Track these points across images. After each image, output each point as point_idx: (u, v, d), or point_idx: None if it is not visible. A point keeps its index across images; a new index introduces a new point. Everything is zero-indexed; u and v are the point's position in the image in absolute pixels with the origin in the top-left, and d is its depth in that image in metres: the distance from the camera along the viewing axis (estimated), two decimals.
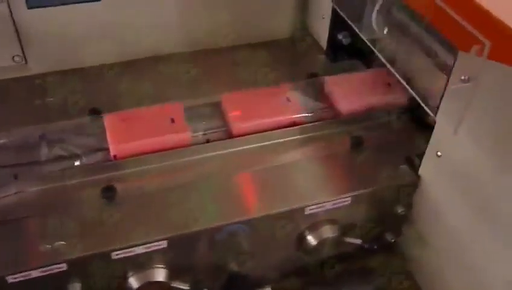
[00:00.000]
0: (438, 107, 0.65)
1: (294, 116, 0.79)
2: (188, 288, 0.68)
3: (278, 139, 0.77)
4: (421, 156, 0.72)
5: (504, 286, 0.62)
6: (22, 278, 0.60)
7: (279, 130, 0.78)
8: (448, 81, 0.62)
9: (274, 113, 0.79)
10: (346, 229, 0.74)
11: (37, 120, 0.78)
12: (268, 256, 0.74)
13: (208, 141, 0.77)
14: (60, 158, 0.73)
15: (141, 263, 0.65)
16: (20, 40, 0.85)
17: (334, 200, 0.70)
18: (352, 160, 0.76)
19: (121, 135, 0.74)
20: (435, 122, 0.67)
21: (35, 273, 0.61)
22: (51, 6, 0.84)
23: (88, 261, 0.62)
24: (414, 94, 0.70)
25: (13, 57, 0.87)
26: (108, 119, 0.76)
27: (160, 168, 0.73)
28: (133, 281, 0.66)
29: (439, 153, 0.68)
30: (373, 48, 0.79)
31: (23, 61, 0.87)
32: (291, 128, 0.78)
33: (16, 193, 0.68)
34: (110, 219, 0.66)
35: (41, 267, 0.60)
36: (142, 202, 0.68)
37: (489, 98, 0.58)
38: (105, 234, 0.64)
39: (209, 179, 0.72)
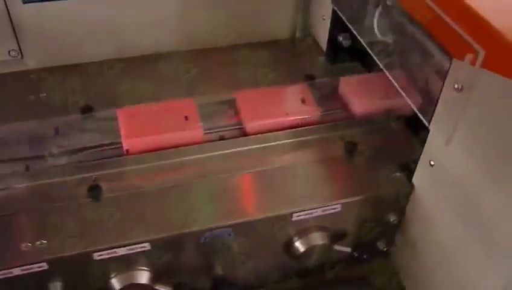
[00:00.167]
0: (431, 116, 0.63)
1: (307, 116, 0.79)
2: None
3: (270, 142, 0.76)
4: (416, 163, 0.70)
5: None
6: (2, 276, 0.60)
7: (270, 133, 0.77)
8: (441, 89, 0.60)
9: (287, 112, 0.79)
10: (336, 237, 0.72)
11: (28, 115, 0.78)
12: (255, 261, 0.72)
13: (221, 139, 0.77)
14: (69, 152, 0.73)
15: (124, 265, 0.65)
16: (15, 35, 0.85)
17: (323, 207, 0.68)
18: (345, 166, 0.74)
19: (134, 129, 0.74)
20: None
21: (16, 272, 0.60)
22: (46, 1, 0.83)
23: (69, 261, 0.62)
24: (409, 101, 0.68)
25: (9, 51, 0.86)
26: (121, 114, 0.76)
27: (158, 167, 0.72)
28: (116, 283, 0.65)
29: (432, 163, 0.66)
30: (370, 51, 0.77)
31: (19, 56, 0.87)
32: (282, 131, 0.77)
33: (2, 189, 0.68)
34: (95, 218, 0.65)
35: (21, 266, 0.60)
36: (130, 202, 0.67)
37: (482, 109, 0.56)
38: (88, 234, 0.63)
39: (201, 180, 0.71)
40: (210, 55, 0.96)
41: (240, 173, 0.72)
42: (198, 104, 0.79)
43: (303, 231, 0.70)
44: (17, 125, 0.74)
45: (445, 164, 0.64)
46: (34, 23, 0.85)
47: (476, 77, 0.55)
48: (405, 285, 0.78)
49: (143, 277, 0.66)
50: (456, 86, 0.57)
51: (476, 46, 0.54)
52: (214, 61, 0.94)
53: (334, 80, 0.85)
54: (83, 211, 0.66)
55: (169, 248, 0.65)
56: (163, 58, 0.94)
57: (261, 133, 0.77)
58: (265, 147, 0.75)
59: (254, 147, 0.75)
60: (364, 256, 0.73)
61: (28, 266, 0.60)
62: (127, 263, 0.65)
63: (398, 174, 0.73)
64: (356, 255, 0.73)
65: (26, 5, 0.83)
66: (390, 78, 0.72)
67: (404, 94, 0.70)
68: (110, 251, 0.62)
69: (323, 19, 0.93)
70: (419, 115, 0.67)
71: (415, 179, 0.71)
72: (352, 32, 0.85)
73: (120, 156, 0.73)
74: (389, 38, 0.72)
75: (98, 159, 0.72)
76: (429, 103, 0.63)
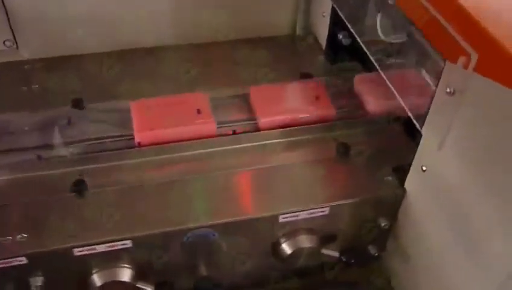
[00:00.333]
0: (424, 120, 0.61)
1: (322, 113, 0.78)
2: None
3: (261, 141, 0.74)
4: (409, 168, 0.68)
5: None
6: None
7: (262, 132, 0.75)
8: (434, 92, 0.58)
9: (302, 108, 0.78)
10: (325, 240, 0.71)
11: (20, 106, 0.77)
12: (241, 262, 0.71)
13: (234, 133, 0.76)
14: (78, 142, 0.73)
15: (105, 262, 0.64)
16: (10, 25, 0.84)
17: (310, 209, 0.66)
18: (336, 168, 0.72)
19: (147, 122, 0.73)
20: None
21: None
22: None
23: (49, 256, 0.61)
24: (403, 103, 0.66)
25: (4, 41, 0.86)
26: (134, 106, 0.75)
27: (150, 162, 0.71)
28: (97, 279, 0.64)
29: (424, 168, 0.64)
30: (366, 51, 0.75)
31: (14, 46, 0.87)
32: (275, 130, 0.75)
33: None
34: (78, 214, 0.64)
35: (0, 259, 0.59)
36: (116, 198, 0.66)
37: (474, 114, 0.54)
38: (70, 230, 0.62)
39: (189, 178, 0.69)
40: (207, 50, 0.94)
41: (229, 172, 0.70)
42: (211, 98, 0.78)
43: (290, 233, 0.69)
44: (25, 115, 0.74)
45: (436, 169, 0.62)
46: (29, 14, 0.84)
47: (469, 80, 0.53)
48: None
49: (125, 274, 0.65)
50: (448, 90, 0.55)
51: (469, 49, 0.52)
52: (210, 57, 0.92)
53: (350, 78, 0.84)
54: (67, 206, 0.65)
55: (151, 246, 0.64)
56: (160, 51, 0.93)
57: (274, 128, 0.76)
58: (256, 146, 0.74)
59: (245, 145, 0.74)
60: (352, 261, 0.71)
61: (7, 260, 0.60)
62: (109, 260, 0.64)
63: (390, 178, 0.71)
64: (344, 259, 0.71)
65: None
66: (386, 79, 0.70)
67: (398, 96, 0.68)
68: (90, 247, 0.62)
69: (323, 16, 0.91)
70: (412, 118, 0.64)
71: (407, 184, 0.69)
72: (351, 31, 0.83)
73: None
74: (385, 38, 0.70)
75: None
76: (421, 106, 0.61)
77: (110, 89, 0.83)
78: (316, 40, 0.96)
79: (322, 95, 0.81)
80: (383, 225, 0.71)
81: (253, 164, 0.72)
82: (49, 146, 0.72)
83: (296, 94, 0.81)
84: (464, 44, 0.52)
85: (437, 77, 0.57)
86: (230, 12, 0.93)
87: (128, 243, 0.63)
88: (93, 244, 0.61)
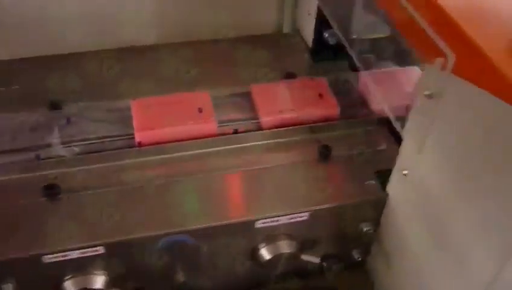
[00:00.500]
0: (404, 123, 0.59)
1: (325, 111, 0.77)
2: None
3: (242, 143, 0.73)
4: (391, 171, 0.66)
5: None
6: None
7: (243, 134, 0.74)
8: (413, 95, 0.56)
9: (305, 106, 0.77)
10: (305, 246, 0.69)
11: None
12: (220, 268, 0.69)
13: (236, 132, 0.75)
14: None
15: (77, 268, 0.62)
16: None
17: (289, 215, 0.65)
18: (318, 171, 0.70)
19: (147, 121, 0.72)
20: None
21: None
22: None
23: (18, 263, 0.59)
24: (384, 106, 0.64)
25: None
26: (134, 105, 0.74)
27: (128, 165, 0.70)
28: (69, 286, 0.63)
29: (405, 172, 0.62)
30: (350, 51, 0.73)
31: None
32: (256, 132, 0.73)
33: None
34: (50, 219, 0.63)
35: None
36: (90, 202, 0.65)
37: (453, 118, 0.52)
38: (40, 236, 0.61)
39: (165, 182, 0.68)
40: (190, 48, 0.91)
41: (207, 176, 0.69)
42: (213, 97, 0.77)
43: (269, 238, 0.67)
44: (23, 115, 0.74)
45: (417, 173, 0.60)
46: (7, 13, 0.82)
47: (447, 83, 0.51)
48: None
49: (97, 281, 0.63)
50: (426, 93, 0.53)
51: (446, 50, 0.50)
52: (191, 54, 0.89)
53: (354, 75, 0.82)
54: (38, 211, 0.63)
55: (124, 252, 0.63)
56: (143, 51, 0.90)
57: (277, 127, 0.75)
58: (236, 148, 0.72)
59: (225, 148, 0.72)
60: (333, 267, 0.69)
61: None
62: (81, 267, 0.62)
63: (373, 181, 0.69)
64: (325, 265, 0.69)
65: None
66: (368, 80, 0.68)
67: (379, 98, 0.66)
68: (60, 255, 0.60)
69: (309, 15, 0.88)
70: (392, 121, 0.63)
71: (390, 188, 0.67)
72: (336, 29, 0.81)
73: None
74: (366, 38, 0.68)
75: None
76: (402, 109, 0.59)
77: (90, 88, 0.81)
78: (302, 38, 0.94)
79: (325, 93, 0.79)
80: (366, 229, 0.70)
81: (233, 167, 0.70)
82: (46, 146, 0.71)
83: (299, 92, 0.79)
84: (441, 45, 0.50)
85: (414, 79, 0.55)
86: (214, 11, 0.91)
87: (101, 250, 0.61)
88: (64, 251, 0.60)
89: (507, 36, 0.47)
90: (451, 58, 0.49)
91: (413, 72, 0.64)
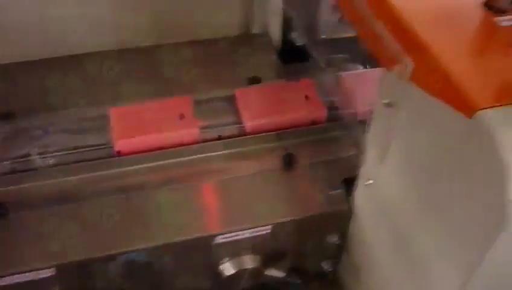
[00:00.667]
0: (366, 131, 0.57)
1: (313, 114, 0.74)
2: None
3: (201, 154, 0.69)
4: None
5: None
6: None
7: (203, 144, 0.70)
8: (374, 103, 0.53)
9: (291, 109, 0.74)
10: (270, 259, 0.66)
11: None
12: (181, 285, 0.66)
13: (220, 138, 0.72)
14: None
15: None
16: None
17: (250, 229, 0.62)
18: (282, 181, 0.67)
19: (127, 129, 0.69)
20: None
21: None
22: None
23: None
24: (348, 112, 0.61)
25: None
26: (114, 113, 0.71)
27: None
28: None
29: (369, 181, 0.60)
30: (314, 52, 0.70)
31: None
32: (215, 142, 0.70)
33: None
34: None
35: None
36: (40, 221, 0.61)
37: (411, 128, 0.49)
38: None
39: (118, 196, 0.64)
40: (145, 54, 0.86)
41: (165, 189, 0.65)
42: (195, 101, 0.74)
43: (231, 253, 0.64)
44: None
45: (380, 184, 0.57)
46: None
47: (405, 92, 0.48)
48: None
49: None
50: (385, 101, 0.50)
51: (405, 57, 0.47)
52: (142, 62, 0.84)
53: (339, 76, 0.78)
54: None
55: (77, 273, 0.59)
56: (92, 57, 0.85)
57: (264, 132, 0.72)
58: (198, 158, 0.69)
59: (184, 159, 0.68)
60: (299, 281, 0.66)
61: None
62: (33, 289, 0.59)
63: (339, 191, 0.66)
64: (289, 280, 0.67)
65: None
66: (335, 81, 0.66)
67: (344, 101, 0.63)
68: (8, 278, 0.57)
69: (276, 15, 0.85)
70: (356, 128, 0.60)
71: (356, 197, 0.64)
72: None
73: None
74: (331, 38, 0.65)
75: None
76: (365, 115, 0.56)
77: (38, 97, 0.77)
78: (270, 39, 0.90)
79: (311, 95, 0.76)
80: (333, 240, 0.67)
81: (193, 178, 0.67)
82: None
83: (284, 95, 0.76)
84: (399, 51, 0.47)
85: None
86: (176, 14, 0.87)
87: (51, 272, 0.58)
88: (12, 274, 0.57)
89: (466, 44, 0.44)
90: (409, 65, 0.46)
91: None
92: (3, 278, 0.57)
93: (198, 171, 0.67)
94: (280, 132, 0.72)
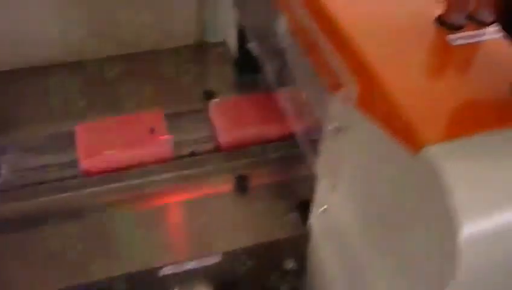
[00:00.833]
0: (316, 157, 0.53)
1: (290, 126, 0.67)
2: None
3: (147, 177, 0.65)
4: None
5: None
6: None
7: (149, 167, 0.66)
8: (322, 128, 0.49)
9: (268, 122, 0.69)
10: (224, 288, 0.62)
11: None
12: None
13: (193, 154, 0.67)
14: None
15: None
16: None
17: (199, 259, 0.58)
18: (234, 205, 0.63)
19: (93, 147, 0.65)
20: None
21: None
22: None
23: None
24: (298, 133, 0.57)
25: None
26: (79, 130, 0.67)
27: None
28: None
29: (324, 207, 0.56)
30: (262, 64, 0.66)
31: None
32: (163, 164, 0.66)
33: None
34: None
35: None
36: None
37: (358, 155, 0.45)
38: None
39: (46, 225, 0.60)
40: (94, 66, 0.81)
41: (107, 216, 0.61)
42: (166, 115, 0.70)
43: (181, 284, 0.60)
44: None
45: (332, 211, 0.54)
46: None
47: (353, 116, 0.44)
48: None
49: None
50: (332, 126, 0.47)
51: (349, 80, 0.43)
52: (89, 75, 0.79)
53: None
54: None
55: None
56: (51, 70, 0.81)
57: (238, 146, 0.68)
58: (143, 182, 0.64)
59: (128, 183, 0.64)
60: None
61: None
62: None
63: (295, 214, 0.62)
64: None
65: None
66: (282, 101, 0.62)
67: (292, 123, 0.59)
68: None
69: (230, 24, 0.81)
70: (307, 152, 0.56)
71: (311, 222, 0.60)
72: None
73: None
74: (277, 55, 0.61)
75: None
76: (312, 141, 0.52)
77: None
78: (227, 49, 0.86)
79: (288, 106, 0.71)
80: (290, 266, 0.63)
81: (135, 206, 0.62)
82: None
83: (262, 106, 0.72)
84: (342, 72, 0.43)
85: (322, 110, 0.48)
86: (129, 24, 0.82)
87: None
88: None
89: (416, 68, 0.41)
90: (354, 90, 0.43)
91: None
92: None
93: (143, 196, 0.63)
94: (234, 152, 0.68)
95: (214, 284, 0.61)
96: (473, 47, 0.43)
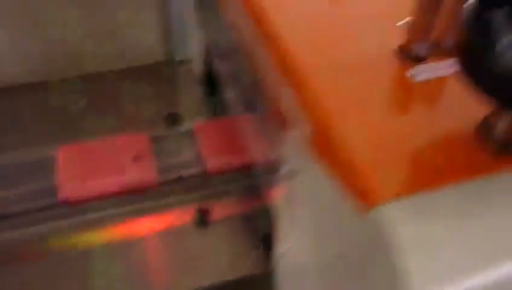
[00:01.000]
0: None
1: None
2: None
3: (94, 213, 0.61)
4: None
5: None
6: None
7: (95, 202, 0.62)
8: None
9: (257, 145, 0.63)
10: None
11: None
12: None
13: (179, 179, 0.64)
14: None
15: None
16: None
17: None
18: (194, 241, 0.59)
19: (75, 172, 0.62)
20: None
21: None
22: None
23: None
24: (256, 164, 0.54)
25: None
26: (60, 154, 0.63)
27: None
28: None
29: (286, 245, 0.52)
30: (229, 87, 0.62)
31: None
32: (114, 198, 0.62)
33: None
34: None
35: None
36: None
37: (310, 200, 0.41)
38: None
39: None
40: (52, 87, 0.77)
41: (62, 255, 0.57)
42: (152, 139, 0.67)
43: None
44: None
45: (293, 252, 0.50)
46: None
47: (305, 159, 0.40)
48: None
49: None
50: (286, 168, 0.43)
51: (302, 119, 0.39)
52: (46, 97, 0.75)
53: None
54: None
55: None
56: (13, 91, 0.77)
57: (225, 171, 0.64)
58: (88, 219, 0.60)
59: (75, 219, 0.60)
60: None
61: None
62: None
63: (260, 250, 0.58)
64: None
65: None
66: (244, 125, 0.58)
67: (250, 152, 0.55)
68: None
69: (196, 42, 0.77)
70: (263, 187, 0.52)
71: (277, 258, 0.56)
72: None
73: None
74: (238, 78, 0.57)
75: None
76: (271, 179, 0.49)
77: None
78: (193, 68, 0.82)
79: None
80: None
81: (80, 245, 0.58)
82: None
83: (247, 128, 0.67)
84: (296, 113, 0.39)
85: (277, 148, 0.45)
86: (93, 41, 0.78)
87: None
88: None
89: (372, 110, 0.37)
90: (307, 130, 0.39)
91: None
92: None
93: (93, 234, 0.59)
94: (193, 182, 0.64)
95: None
96: (437, 82, 0.39)
